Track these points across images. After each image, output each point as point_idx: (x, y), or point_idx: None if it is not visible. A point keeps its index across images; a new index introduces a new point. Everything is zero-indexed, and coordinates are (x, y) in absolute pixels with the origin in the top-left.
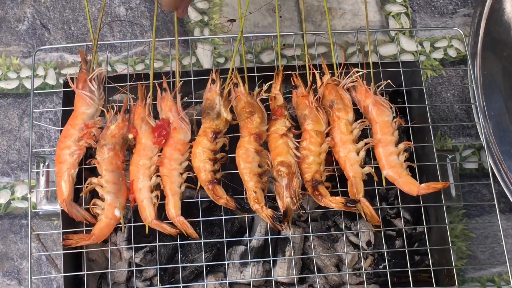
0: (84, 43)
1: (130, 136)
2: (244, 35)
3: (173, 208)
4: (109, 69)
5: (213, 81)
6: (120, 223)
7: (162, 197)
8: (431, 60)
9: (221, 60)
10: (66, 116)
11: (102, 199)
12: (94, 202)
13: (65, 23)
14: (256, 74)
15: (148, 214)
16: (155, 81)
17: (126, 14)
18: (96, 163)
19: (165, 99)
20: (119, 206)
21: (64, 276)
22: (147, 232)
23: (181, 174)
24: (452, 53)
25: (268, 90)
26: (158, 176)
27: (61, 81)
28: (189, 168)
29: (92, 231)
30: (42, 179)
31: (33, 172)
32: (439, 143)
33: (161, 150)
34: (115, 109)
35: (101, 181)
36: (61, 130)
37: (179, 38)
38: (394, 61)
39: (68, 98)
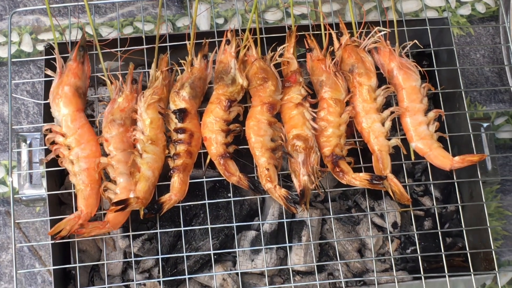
0: (66, 4)
1: None
2: None
3: None
4: (92, 33)
5: (228, 42)
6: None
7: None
8: (457, 17)
9: (220, 21)
10: (48, 87)
11: (114, 182)
12: (105, 185)
13: None
14: (265, 35)
15: None
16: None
17: None
18: (104, 140)
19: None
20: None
21: (53, 269)
22: (141, 217)
23: None
24: (481, 8)
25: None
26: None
27: (39, 47)
28: None
29: (105, 217)
30: (24, 160)
31: (13, 153)
32: (469, 111)
33: None
34: (119, 79)
35: (111, 161)
36: (44, 104)
37: None
38: (419, 19)
39: (50, 67)
